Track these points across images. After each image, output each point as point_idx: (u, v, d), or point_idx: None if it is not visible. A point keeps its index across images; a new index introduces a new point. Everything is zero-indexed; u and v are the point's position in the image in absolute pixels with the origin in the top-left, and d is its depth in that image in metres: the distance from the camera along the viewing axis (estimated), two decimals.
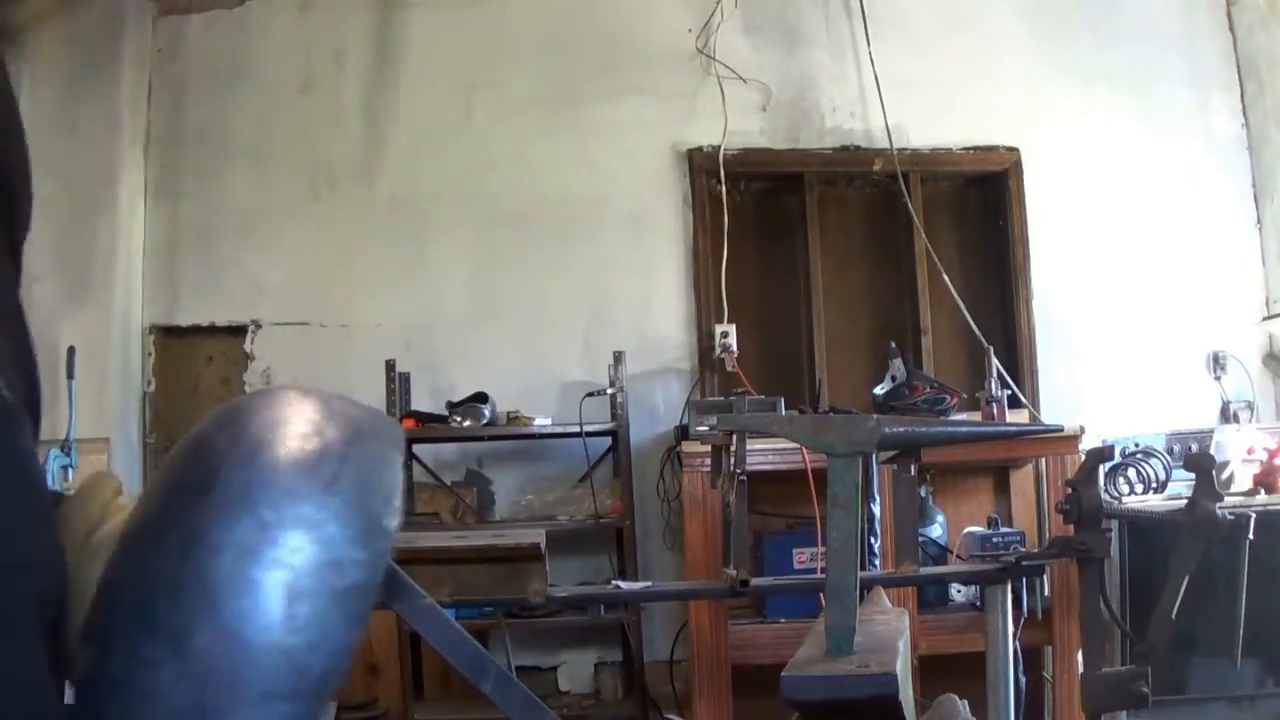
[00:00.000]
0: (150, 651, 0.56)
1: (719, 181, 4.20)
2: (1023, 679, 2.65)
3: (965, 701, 1.82)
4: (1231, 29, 4.45)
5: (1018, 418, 3.81)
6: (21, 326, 0.66)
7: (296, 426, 0.61)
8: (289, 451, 0.60)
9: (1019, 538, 3.34)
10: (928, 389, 3.58)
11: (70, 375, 3.63)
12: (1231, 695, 3.34)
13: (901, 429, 1.70)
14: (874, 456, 2.50)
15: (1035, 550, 2.40)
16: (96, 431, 3.73)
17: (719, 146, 4.21)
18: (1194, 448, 3.45)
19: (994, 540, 3.25)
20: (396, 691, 3.70)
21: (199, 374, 4.17)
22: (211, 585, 0.56)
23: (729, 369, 4.00)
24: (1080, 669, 1.99)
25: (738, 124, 4.23)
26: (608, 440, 3.95)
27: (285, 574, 0.57)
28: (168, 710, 0.55)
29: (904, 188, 4.22)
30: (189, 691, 0.55)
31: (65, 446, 3.59)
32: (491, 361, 4.07)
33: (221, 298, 4.16)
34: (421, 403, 3.95)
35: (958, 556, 3.50)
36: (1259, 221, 4.38)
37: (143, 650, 0.56)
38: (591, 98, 4.25)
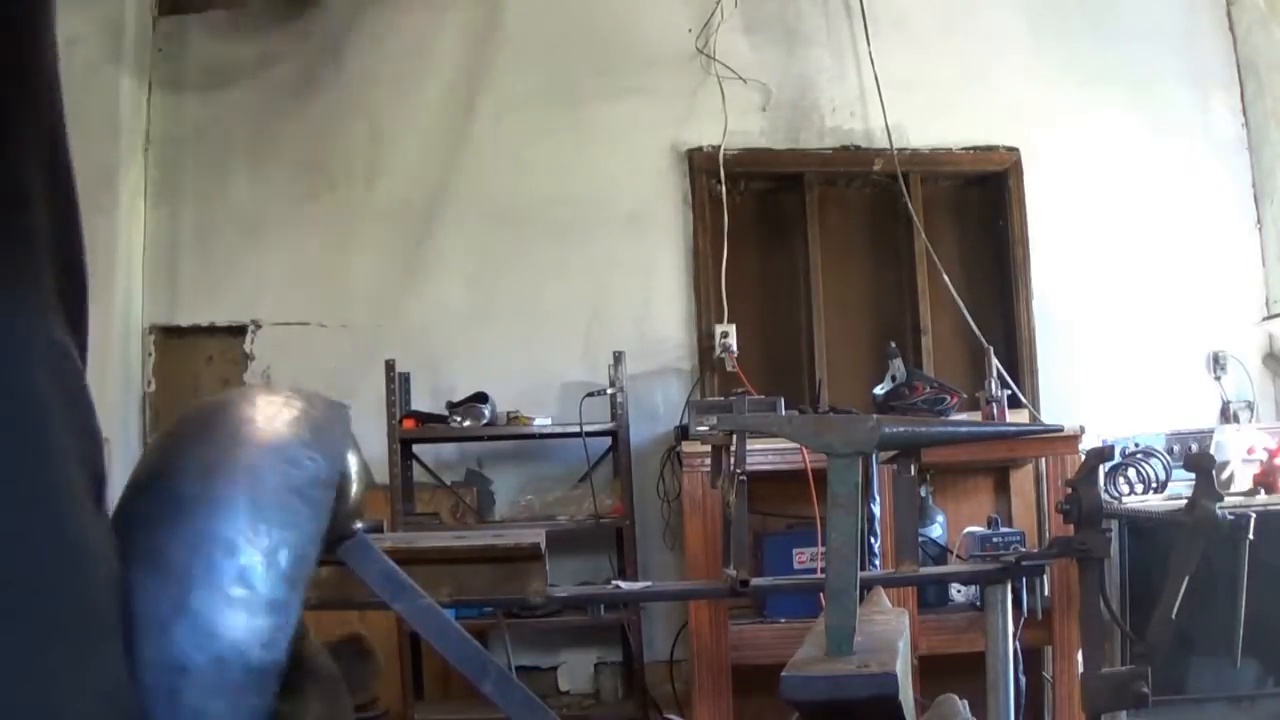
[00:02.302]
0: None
1: (719, 181, 4.19)
2: (1023, 679, 2.65)
3: (965, 701, 1.82)
4: (1231, 29, 4.45)
5: (1018, 418, 3.81)
6: (83, 308, 0.69)
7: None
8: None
9: (1019, 538, 3.35)
10: (928, 389, 3.58)
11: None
12: (1231, 695, 3.34)
13: (901, 429, 1.70)
14: (874, 456, 2.51)
15: (1035, 550, 2.40)
16: None
17: (719, 146, 4.21)
18: (1194, 448, 3.45)
19: (994, 540, 3.25)
20: (396, 691, 3.70)
21: (199, 374, 4.17)
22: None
23: (729, 369, 4.00)
24: (1080, 669, 1.98)
25: (738, 124, 4.23)
26: (608, 440, 3.95)
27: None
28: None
29: (904, 188, 4.22)
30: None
31: None
32: (491, 361, 4.06)
33: (221, 298, 4.16)
34: (421, 403, 3.95)
35: (958, 556, 3.50)
36: (1259, 221, 4.38)
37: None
38: (591, 98, 4.25)
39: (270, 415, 0.70)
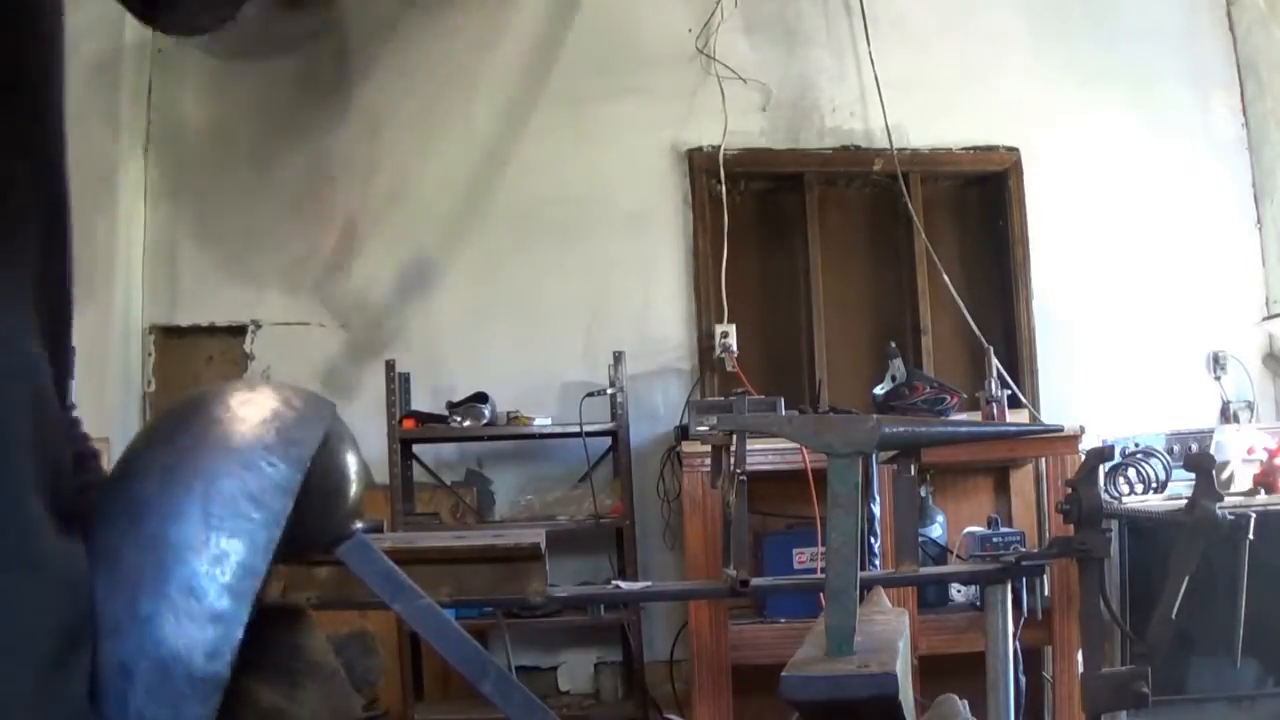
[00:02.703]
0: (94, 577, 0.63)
1: (719, 181, 4.19)
2: (1023, 679, 2.65)
3: (965, 701, 1.82)
4: (1231, 29, 4.45)
5: (1018, 418, 3.81)
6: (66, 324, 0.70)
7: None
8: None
9: (1019, 538, 3.35)
10: (928, 389, 3.58)
11: (69, 375, 3.62)
12: (1231, 695, 3.34)
13: (901, 429, 1.70)
14: (874, 456, 2.50)
15: (1035, 550, 2.39)
16: (96, 431, 3.66)
17: (719, 146, 4.21)
18: (1194, 448, 3.45)
19: (994, 540, 3.25)
20: (396, 691, 3.70)
21: (199, 374, 4.16)
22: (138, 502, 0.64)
23: (729, 369, 4.00)
24: (1080, 669, 1.98)
25: (738, 124, 4.23)
26: (608, 440, 3.94)
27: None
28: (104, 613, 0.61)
29: (904, 188, 4.22)
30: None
31: None
32: (491, 361, 4.06)
33: (221, 298, 4.15)
34: (421, 403, 3.95)
35: (958, 556, 3.50)
36: (1259, 221, 4.38)
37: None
38: (591, 98, 4.25)
39: (238, 416, 0.69)
